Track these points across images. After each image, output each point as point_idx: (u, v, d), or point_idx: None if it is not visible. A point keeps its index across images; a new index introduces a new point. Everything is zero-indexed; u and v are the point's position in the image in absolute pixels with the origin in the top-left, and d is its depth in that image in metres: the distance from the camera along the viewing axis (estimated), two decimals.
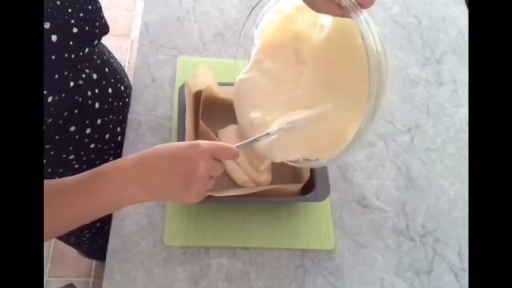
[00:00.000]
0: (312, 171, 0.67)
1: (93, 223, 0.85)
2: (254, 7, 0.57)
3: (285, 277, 0.66)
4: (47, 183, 0.44)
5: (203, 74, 0.73)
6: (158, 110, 0.78)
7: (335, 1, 0.46)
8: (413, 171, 0.78)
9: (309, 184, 0.67)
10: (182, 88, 0.74)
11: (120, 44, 1.87)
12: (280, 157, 0.58)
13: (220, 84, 0.73)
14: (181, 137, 0.68)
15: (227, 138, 0.71)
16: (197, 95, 0.73)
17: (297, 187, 0.67)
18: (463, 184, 0.78)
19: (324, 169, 0.68)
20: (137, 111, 0.77)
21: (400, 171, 0.78)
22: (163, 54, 0.85)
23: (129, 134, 0.75)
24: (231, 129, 0.72)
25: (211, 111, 0.74)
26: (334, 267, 0.68)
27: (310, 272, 0.67)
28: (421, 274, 0.69)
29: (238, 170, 0.69)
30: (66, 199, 0.44)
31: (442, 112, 0.86)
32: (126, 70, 1.92)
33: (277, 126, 0.53)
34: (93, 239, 0.93)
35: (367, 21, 0.46)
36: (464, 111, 0.87)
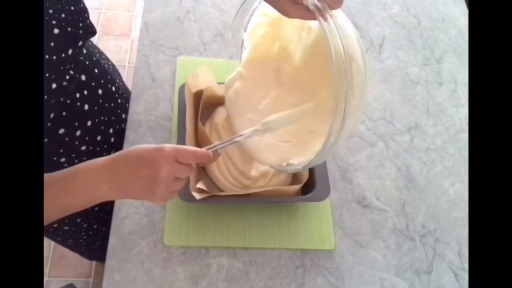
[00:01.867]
0: (312, 171, 0.67)
1: (89, 226, 0.85)
2: (240, 8, 0.57)
3: (285, 277, 0.66)
4: None
5: (203, 74, 0.73)
6: (158, 110, 0.78)
7: (303, 4, 0.46)
8: (413, 171, 0.78)
9: (309, 184, 0.67)
10: (182, 88, 0.74)
11: (120, 44, 1.87)
12: (262, 159, 0.58)
13: (220, 84, 0.73)
14: (181, 137, 0.68)
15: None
16: (197, 95, 0.73)
17: (296, 188, 0.67)
18: (463, 184, 0.78)
19: (324, 169, 0.68)
20: (137, 111, 0.77)
21: (400, 171, 0.78)
22: (163, 54, 0.85)
23: (129, 134, 0.75)
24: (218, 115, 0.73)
25: (211, 110, 0.74)
26: (334, 267, 0.68)
27: (310, 272, 0.67)
28: (421, 274, 0.69)
29: (221, 183, 0.69)
30: (45, 196, 0.46)
31: (442, 112, 0.86)
32: (126, 70, 1.92)
33: (252, 127, 0.55)
34: (90, 240, 0.93)
35: (336, 24, 0.45)
36: (464, 111, 0.87)
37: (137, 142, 0.74)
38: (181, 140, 0.67)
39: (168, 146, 0.48)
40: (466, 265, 0.70)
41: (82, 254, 1.09)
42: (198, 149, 0.49)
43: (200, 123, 0.68)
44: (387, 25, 0.97)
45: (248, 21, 0.59)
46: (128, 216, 0.68)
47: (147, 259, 0.65)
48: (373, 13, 0.99)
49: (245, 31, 0.60)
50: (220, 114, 0.73)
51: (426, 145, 0.82)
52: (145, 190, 0.48)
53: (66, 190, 0.48)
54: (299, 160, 0.55)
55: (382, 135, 0.82)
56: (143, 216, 0.68)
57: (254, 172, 0.68)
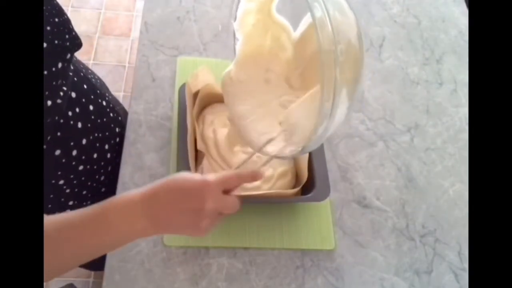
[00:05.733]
0: (312, 171, 0.67)
1: None
2: None
3: (285, 277, 0.66)
4: (49, 218, 0.43)
5: (203, 74, 0.73)
6: (158, 110, 0.78)
7: None
8: (413, 171, 0.78)
9: (309, 184, 0.67)
10: (182, 88, 0.74)
11: (120, 44, 1.87)
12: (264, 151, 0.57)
13: None
14: (182, 137, 0.67)
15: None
16: (197, 95, 0.73)
17: (295, 191, 0.67)
18: (463, 184, 0.78)
19: (324, 169, 0.68)
20: (137, 111, 0.77)
21: (400, 171, 0.78)
22: (163, 54, 0.85)
23: (129, 134, 0.75)
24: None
25: (211, 107, 0.75)
26: (334, 267, 0.68)
27: (310, 272, 0.67)
28: (421, 274, 0.69)
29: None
30: (72, 236, 0.42)
31: (442, 112, 0.86)
32: (126, 70, 1.92)
33: (278, 130, 0.53)
34: None
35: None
36: (464, 111, 0.87)
37: (137, 142, 0.74)
38: (181, 140, 0.67)
39: (212, 177, 0.45)
40: (466, 265, 0.70)
41: (85, 267, 1.09)
42: (241, 171, 0.48)
43: (196, 124, 0.68)
44: (387, 25, 0.97)
45: (237, 9, 0.55)
46: None
47: (147, 259, 0.65)
48: (373, 13, 0.99)
49: (234, 20, 0.56)
50: (213, 109, 0.74)
51: (426, 145, 0.82)
52: (189, 225, 0.45)
53: (99, 227, 0.43)
54: (299, 145, 0.52)
55: (382, 135, 0.82)
56: None
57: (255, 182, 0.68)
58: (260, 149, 0.54)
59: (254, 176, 0.49)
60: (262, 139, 0.55)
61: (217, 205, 0.45)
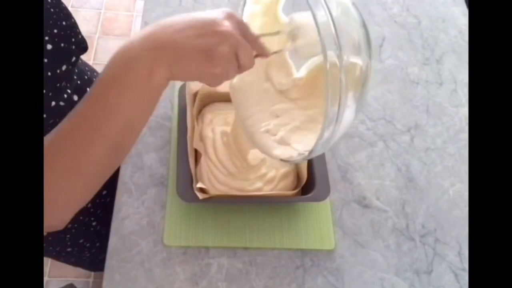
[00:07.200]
0: (312, 171, 0.67)
1: (92, 244, 0.85)
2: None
3: (285, 277, 0.66)
4: (57, 129, 0.41)
5: None
6: (158, 110, 0.78)
7: None
8: (413, 171, 0.78)
9: (309, 184, 0.67)
10: (182, 88, 0.74)
11: (120, 44, 1.87)
12: (269, 153, 0.56)
13: None
14: (181, 137, 0.68)
15: None
16: (197, 95, 0.73)
17: (295, 192, 0.67)
18: (463, 184, 0.78)
19: (324, 169, 0.68)
20: None
21: (400, 171, 0.78)
22: None
23: None
24: None
25: (210, 106, 0.74)
26: (334, 267, 0.68)
27: (310, 272, 0.67)
28: (421, 274, 0.69)
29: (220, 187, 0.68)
30: (89, 121, 0.38)
31: (442, 112, 0.86)
32: None
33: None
34: (93, 256, 0.91)
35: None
36: (464, 111, 0.87)
37: (137, 142, 0.74)
38: (182, 141, 0.67)
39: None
40: (466, 265, 0.70)
41: (85, 268, 1.09)
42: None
43: (195, 124, 0.68)
44: (387, 25, 0.97)
45: (242, 11, 0.54)
46: (128, 216, 0.68)
47: (147, 259, 0.65)
48: (373, 13, 0.99)
49: None
50: (212, 108, 0.74)
51: (426, 145, 0.82)
52: (204, 51, 0.37)
53: (109, 88, 0.38)
54: (307, 148, 0.51)
55: (382, 135, 0.82)
56: (143, 216, 0.68)
57: (257, 185, 0.68)
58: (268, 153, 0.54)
59: (265, 51, 0.45)
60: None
61: (238, 35, 0.39)
